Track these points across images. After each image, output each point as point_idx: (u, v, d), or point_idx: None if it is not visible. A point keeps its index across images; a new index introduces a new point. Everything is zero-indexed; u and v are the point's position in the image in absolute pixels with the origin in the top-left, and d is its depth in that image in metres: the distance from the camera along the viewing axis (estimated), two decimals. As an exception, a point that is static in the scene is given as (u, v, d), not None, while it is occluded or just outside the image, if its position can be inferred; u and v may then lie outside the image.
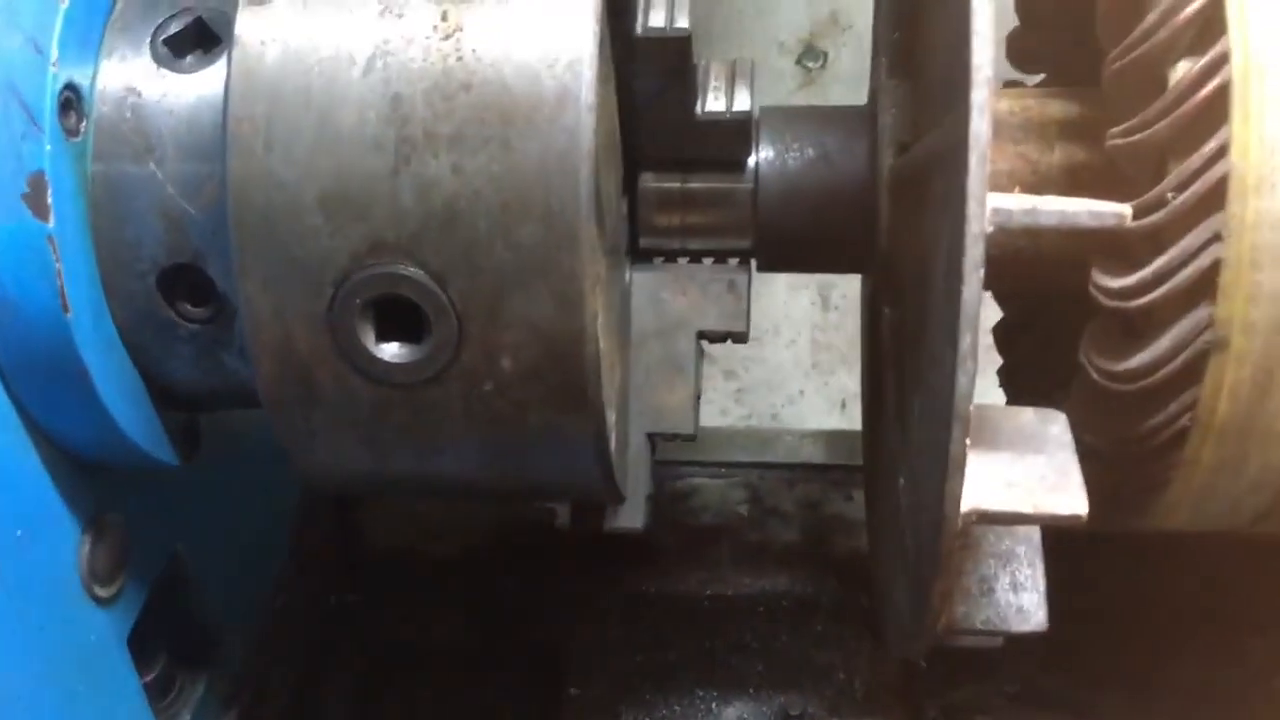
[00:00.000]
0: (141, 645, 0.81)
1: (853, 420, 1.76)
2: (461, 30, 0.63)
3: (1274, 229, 0.60)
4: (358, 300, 0.64)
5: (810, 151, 0.76)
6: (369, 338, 0.65)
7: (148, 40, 0.70)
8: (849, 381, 1.79)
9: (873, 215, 0.74)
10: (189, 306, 0.71)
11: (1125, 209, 0.53)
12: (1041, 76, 0.86)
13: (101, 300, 0.70)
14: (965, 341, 0.52)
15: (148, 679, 0.84)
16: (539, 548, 1.14)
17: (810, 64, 1.57)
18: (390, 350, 0.65)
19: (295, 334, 0.65)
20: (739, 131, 0.74)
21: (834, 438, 1.26)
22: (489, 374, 0.65)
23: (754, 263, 0.80)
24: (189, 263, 0.70)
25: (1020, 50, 0.84)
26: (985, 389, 0.86)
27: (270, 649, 1.02)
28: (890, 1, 0.79)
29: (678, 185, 0.77)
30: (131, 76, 0.70)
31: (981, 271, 0.51)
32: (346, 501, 1.15)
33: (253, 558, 1.02)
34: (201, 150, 0.69)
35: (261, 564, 1.04)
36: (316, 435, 0.69)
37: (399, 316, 0.64)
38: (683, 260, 0.81)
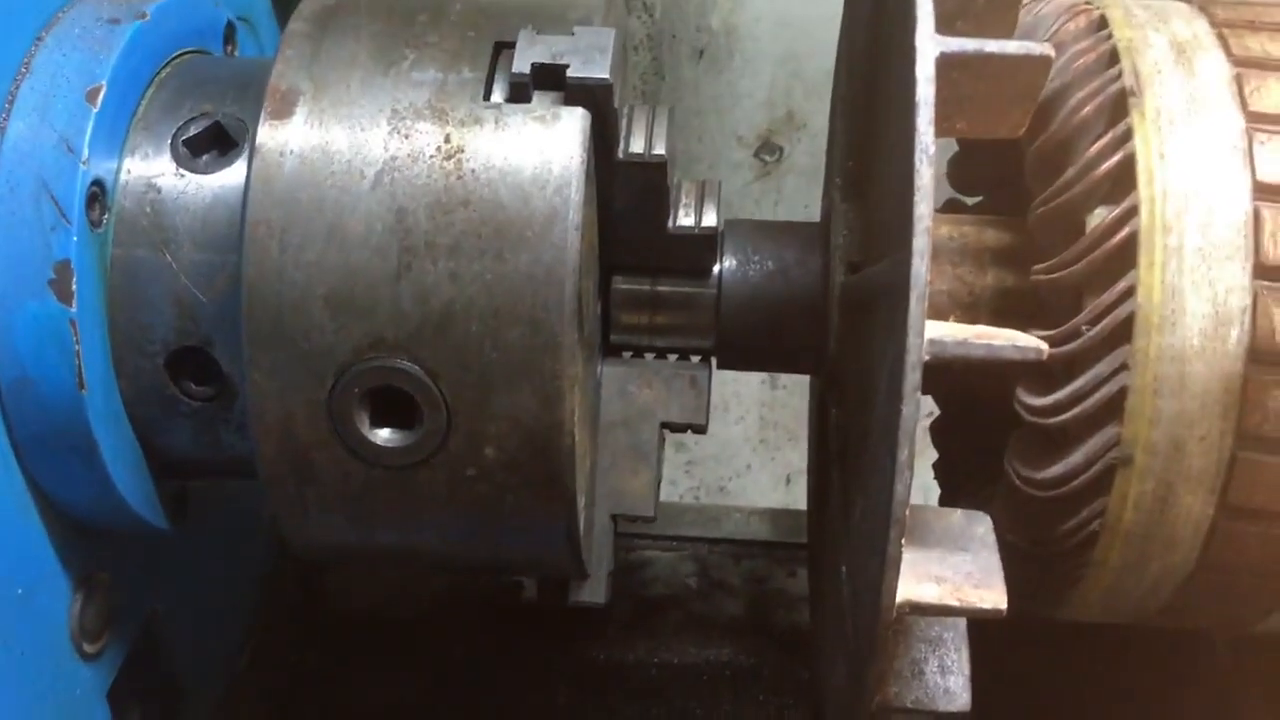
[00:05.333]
0: (117, 700, 0.86)
1: (797, 495, 1.84)
2: (463, 152, 0.69)
3: (1174, 362, 0.68)
4: (356, 390, 0.70)
5: (769, 264, 0.84)
6: (364, 424, 0.71)
7: (168, 140, 0.76)
8: (794, 457, 1.86)
9: (823, 325, 0.82)
10: (193, 385, 0.77)
11: (1043, 345, 0.60)
12: (979, 198, 0.95)
13: (112, 377, 0.76)
14: (903, 454, 0.59)
15: (122, 733, 0.88)
16: (495, 614, 1.20)
17: (767, 157, 1.66)
18: (384, 436, 0.71)
19: (296, 418, 0.71)
20: (706, 244, 0.82)
21: (779, 516, 1.33)
22: (473, 461, 0.71)
23: (714, 361, 0.87)
24: (197, 345, 0.76)
25: (959, 176, 0.92)
26: (922, 475, 0.93)
27: (236, 706, 1.06)
28: (843, 131, 0.87)
29: (647, 288, 0.84)
30: (152, 173, 0.76)
31: (919, 395, 0.58)
32: (313, 564, 1.19)
33: (223, 617, 1.06)
34: (214, 244, 0.75)
35: (231, 623, 1.08)
36: (309, 509, 0.75)
37: (393, 405, 0.71)
38: (649, 356, 0.88)
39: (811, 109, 1.60)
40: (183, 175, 0.76)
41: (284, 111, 0.71)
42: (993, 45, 0.62)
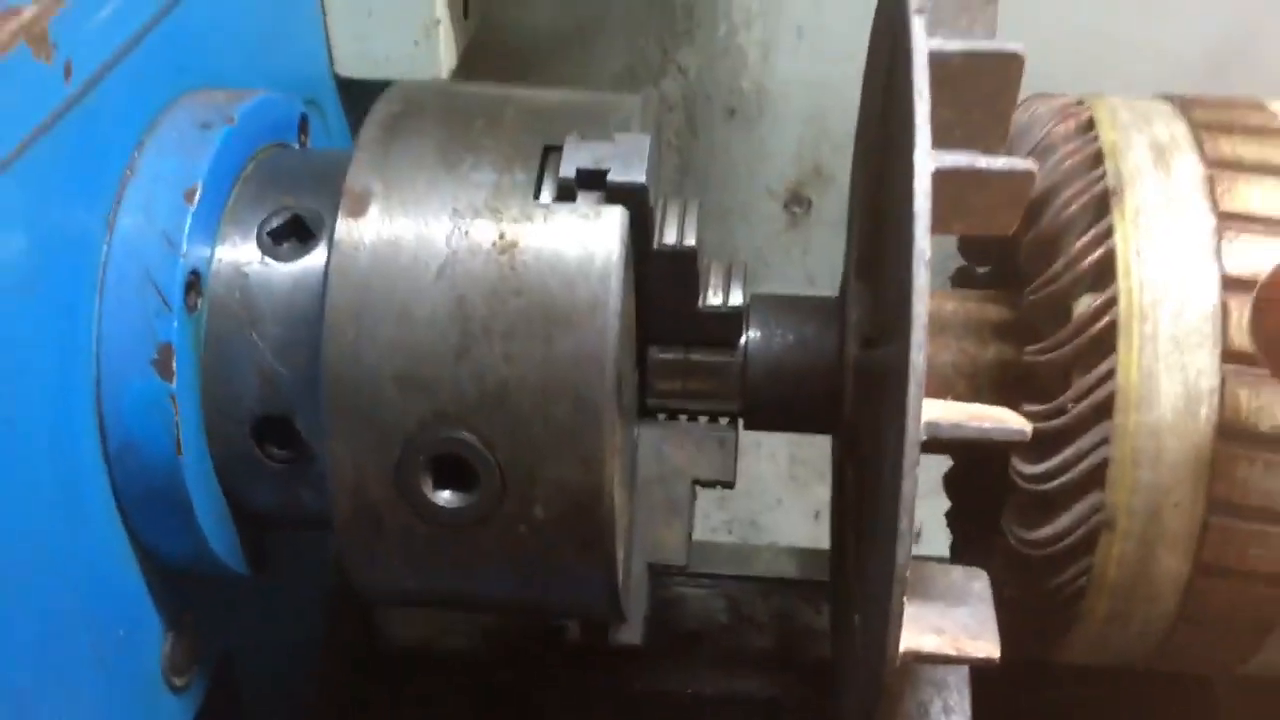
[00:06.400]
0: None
1: (825, 530, 1.91)
2: (516, 246, 0.78)
3: (1150, 436, 0.76)
4: (421, 457, 0.79)
5: (790, 337, 0.92)
6: (428, 487, 0.79)
7: (254, 232, 0.85)
8: (822, 493, 1.93)
9: (840, 393, 0.90)
10: (275, 449, 0.86)
11: (1027, 427, 0.68)
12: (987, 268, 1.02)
13: (204, 443, 0.85)
14: (904, 524, 0.67)
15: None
16: (539, 647, 1.28)
17: (796, 209, 1.74)
18: (445, 497, 0.80)
19: (368, 480, 0.80)
20: (732, 320, 0.90)
21: (805, 555, 1.41)
22: (524, 520, 0.79)
23: (741, 423, 0.96)
24: (279, 414, 0.85)
25: (968, 248, 1.01)
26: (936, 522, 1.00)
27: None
28: (858, 216, 0.95)
29: (680, 358, 0.92)
30: (240, 261, 0.85)
31: (917, 471, 0.67)
32: (372, 604, 1.28)
33: (291, 653, 1.16)
34: (295, 324, 0.84)
35: (298, 658, 1.17)
36: (377, 561, 0.84)
37: (454, 470, 0.79)
38: (682, 418, 0.97)
39: (837, 163, 1.68)
40: (267, 263, 0.85)
41: (358, 210, 0.80)
42: (983, 161, 0.70)
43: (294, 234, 0.86)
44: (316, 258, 0.84)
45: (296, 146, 0.98)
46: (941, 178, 0.69)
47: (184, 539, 0.86)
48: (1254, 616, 0.80)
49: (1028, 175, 0.71)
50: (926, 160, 0.69)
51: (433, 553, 0.82)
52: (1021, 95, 0.76)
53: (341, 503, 0.81)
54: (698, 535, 0.99)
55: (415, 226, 0.79)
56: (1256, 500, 0.76)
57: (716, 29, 1.63)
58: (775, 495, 1.93)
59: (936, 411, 0.69)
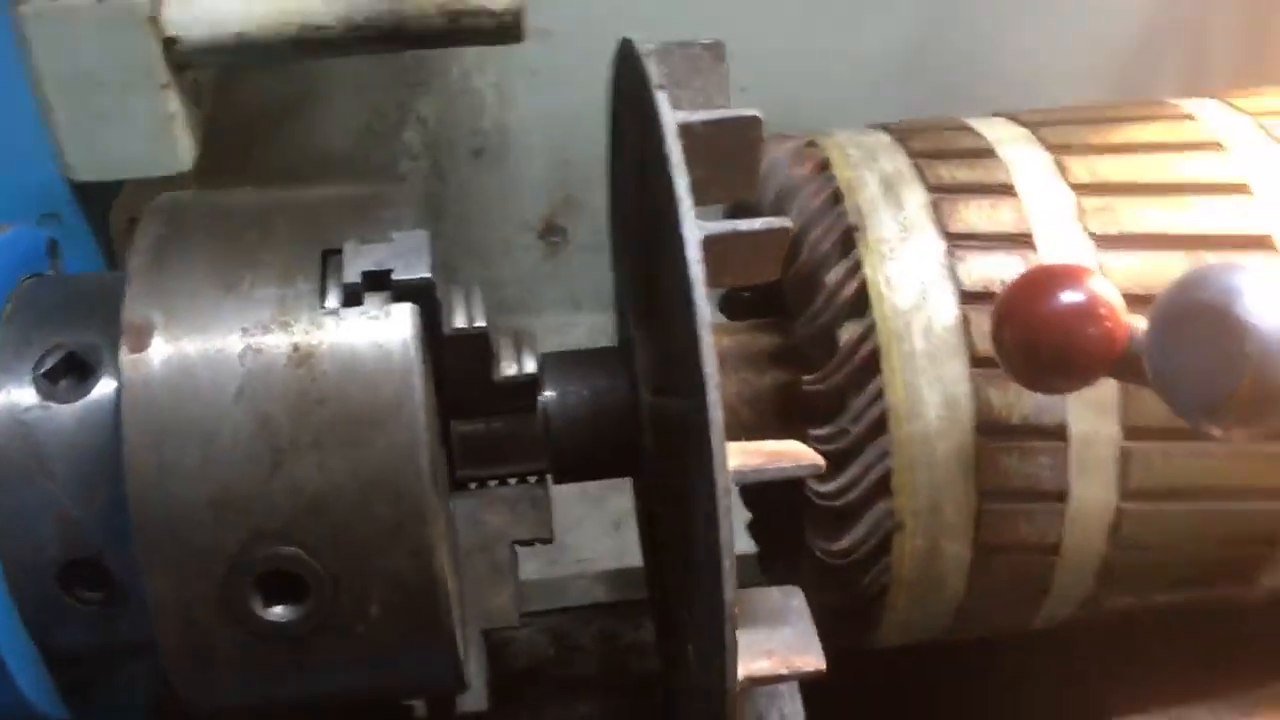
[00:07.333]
0: None
1: (625, 538, 1.97)
2: (312, 357, 0.79)
3: (922, 444, 0.85)
4: (246, 578, 0.79)
5: (585, 391, 0.96)
6: (258, 605, 0.79)
7: (28, 374, 0.83)
8: (618, 503, 1.99)
9: (638, 439, 0.95)
10: (86, 592, 0.84)
11: (820, 461, 0.75)
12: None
13: (7, 597, 0.82)
14: (726, 564, 0.73)
15: None
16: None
17: (553, 239, 1.79)
18: (277, 613, 0.80)
19: (194, 610, 0.79)
20: (529, 386, 0.93)
21: (616, 577, 1.47)
22: (361, 619, 0.81)
23: (549, 479, 1.00)
24: (85, 558, 0.83)
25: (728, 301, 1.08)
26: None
27: None
28: (628, 266, 1.01)
29: (483, 428, 0.95)
30: (17, 407, 0.81)
31: (731, 517, 0.72)
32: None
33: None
34: (87, 464, 0.81)
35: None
36: (212, 684, 0.83)
37: (283, 583, 0.80)
38: (492, 484, 1.00)
39: (586, 191, 1.74)
40: (47, 406, 0.82)
41: (142, 343, 0.79)
42: (744, 225, 0.76)
43: (70, 372, 0.84)
44: (101, 392, 0.83)
45: (50, 273, 0.95)
46: (708, 244, 0.75)
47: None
48: (1032, 582, 0.91)
49: (784, 231, 0.77)
50: (694, 231, 0.74)
51: (271, 666, 0.83)
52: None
53: (168, 634, 0.80)
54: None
55: (206, 351, 0.79)
56: (1019, 483, 0.86)
57: (450, 75, 1.65)
58: (575, 515, 1.98)
59: (738, 459, 0.75)
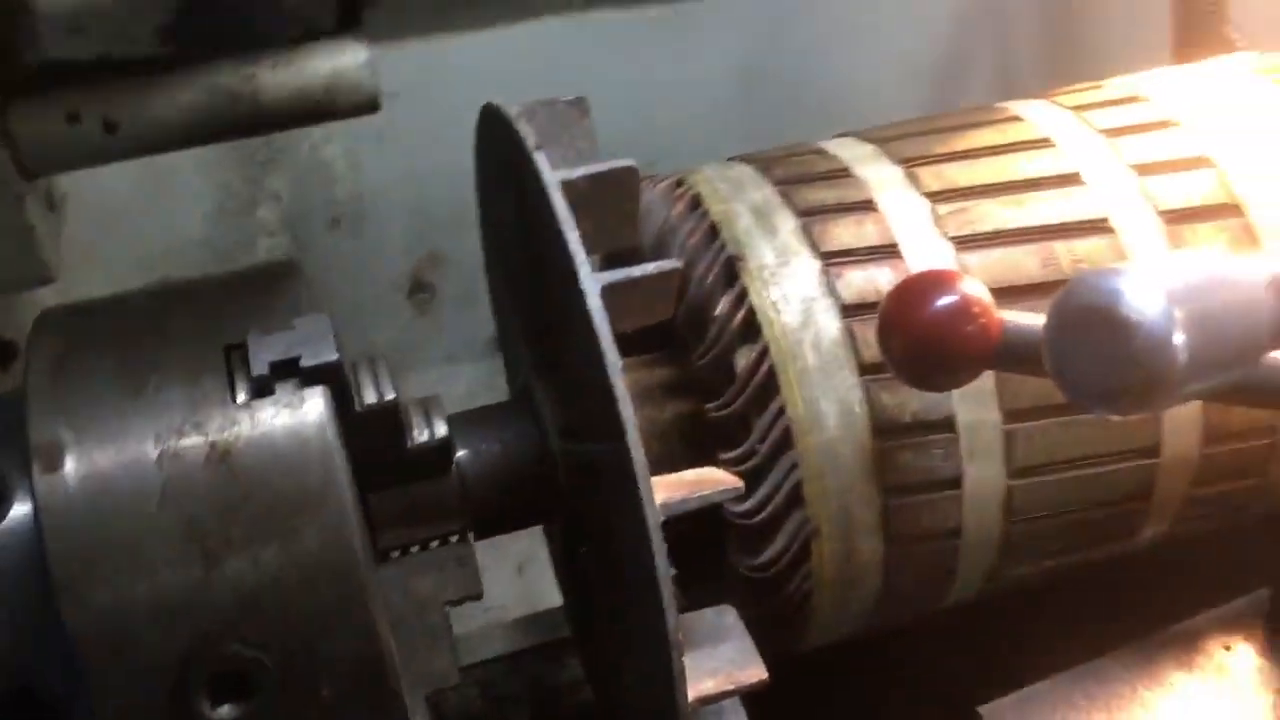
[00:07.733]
0: None
1: (530, 579, 1.99)
2: (230, 453, 0.79)
3: (826, 452, 0.90)
4: (192, 681, 0.79)
5: (495, 446, 0.98)
6: (207, 707, 0.79)
7: (-68, 513, 0.82)
8: (516, 547, 2.01)
9: (554, 485, 0.98)
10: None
11: (739, 484, 0.79)
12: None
13: (-59, 742, 0.80)
14: (665, 596, 0.76)
15: None
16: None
17: (422, 295, 1.80)
18: (225, 711, 0.80)
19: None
20: (442, 450, 0.95)
21: (533, 621, 1.48)
22: (313, 704, 0.81)
23: (471, 536, 1.02)
24: (16, 688, 0.81)
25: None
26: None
27: None
28: (520, 316, 1.03)
29: (402, 496, 0.97)
30: (-75, 544, 0.81)
31: (665, 550, 0.76)
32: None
33: None
34: (9, 592, 0.80)
35: None
36: (167, 793, 0.83)
37: (232, 679, 0.80)
38: (415, 549, 1.01)
39: (449, 246, 1.76)
40: (-43, 540, 0.81)
41: (53, 464, 0.78)
42: (637, 271, 0.80)
43: (-22, 500, 0.83)
44: (13, 518, 0.81)
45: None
46: (606, 293, 0.79)
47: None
48: (941, 564, 0.97)
49: (675, 271, 0.82)
50: (592, 283, 0.78)
51: (226, 766, 0.83)
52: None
53: (118, 752, 0.79)
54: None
55: (121, 463, 0.79)
56: (917, 476, 0.92)
57: (299, 150, 1.65)
58: (479, 563, 1.99)
59: (663, 493, 0.79)
